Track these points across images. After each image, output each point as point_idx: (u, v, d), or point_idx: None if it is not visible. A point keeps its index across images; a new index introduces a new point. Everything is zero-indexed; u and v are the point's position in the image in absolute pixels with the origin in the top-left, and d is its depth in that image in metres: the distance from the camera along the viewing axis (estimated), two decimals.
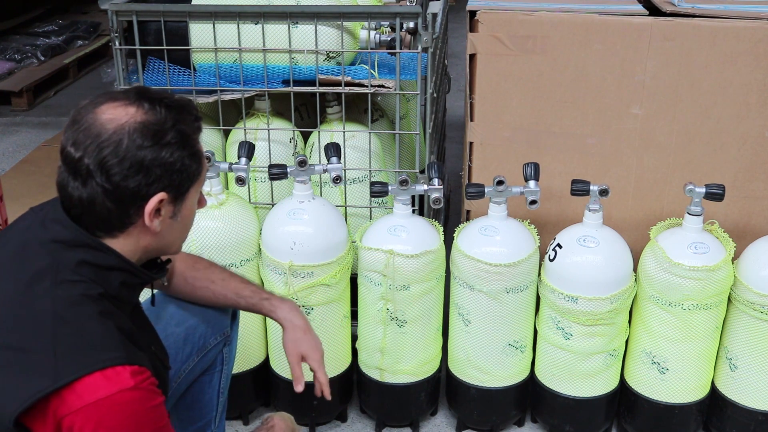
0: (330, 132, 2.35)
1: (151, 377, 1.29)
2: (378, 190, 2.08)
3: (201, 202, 1.49)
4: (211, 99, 2.31)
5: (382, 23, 2.30)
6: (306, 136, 2.45)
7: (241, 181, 2.14)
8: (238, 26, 2.21)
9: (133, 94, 1.32)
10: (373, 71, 2.27)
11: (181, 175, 1.34)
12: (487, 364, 2.20)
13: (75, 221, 1.33)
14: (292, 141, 2.40)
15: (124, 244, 1.36)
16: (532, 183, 2.08)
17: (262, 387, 2.37)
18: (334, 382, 2.26)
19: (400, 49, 2.19)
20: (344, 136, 2.33)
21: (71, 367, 1.22)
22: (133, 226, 1.34)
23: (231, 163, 2.14)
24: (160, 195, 1.32)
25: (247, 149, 2.13)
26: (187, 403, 1.89)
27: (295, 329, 1.79)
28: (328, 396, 1.80)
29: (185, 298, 1.83)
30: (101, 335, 1.26)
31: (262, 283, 2.20)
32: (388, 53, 2.32)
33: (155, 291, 1.72)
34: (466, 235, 2.13)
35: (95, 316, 1.27)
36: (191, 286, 1.81)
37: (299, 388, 1.74)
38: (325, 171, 2.12)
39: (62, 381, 1.21)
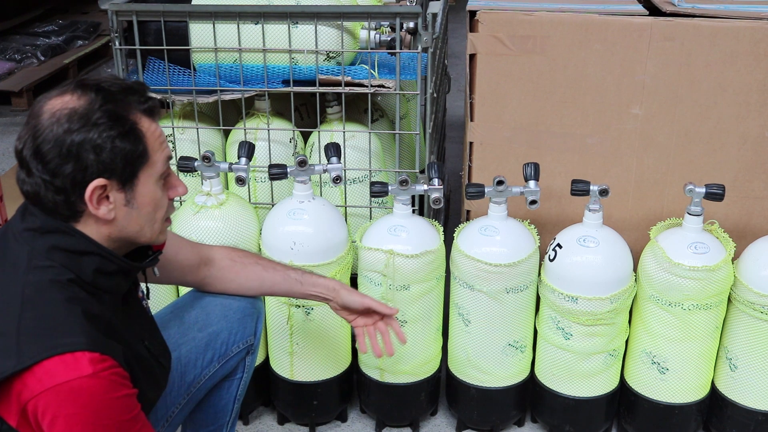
0: (330, 132, 2.35)
1: (115, 367, 1.27)
2: (378, 190, 2.08)
3: (172, 189, 1.43)
4: (211, 99, 2.31)
5: (382, 23, 2.30)
6: (306, 136, 2.45)
7: (241, 181, 2.14)
8: (238, 26, 2.20)
9: (73, 84, 1.32)
10: (373, 71, 2.26)
11: (116, 157, 1.30)
12: (487, 364, 2.20)
13: None
14: (292, 141, 2.40)
15: (86, 233, 1.34)
16: (532, 183, 2.07)
17: (262, 387, 2.37)
18: (334, 382, 2.28)
19: (400, 49, 2.19)
20: (344, 136, 2.32)
21: (32, 350, 1.22)
22: (85, 215, 1.33)
23: (231, 163, 2.13)
24: (97, 181, 1.29)
25: (247, 149, 2.13)
26: (202, 406, 1.87)
27: (343, 287, 1.86)
28: (404, 339, 1.85)
29: (231, 280, 1.82)
30: (63, 320, 1.26)
31: None
32: (388, 53, 2.32)
33: (153, 285, 1.70)
34: (466, 235, 2.13)
35: (61, 301, 1.27)
36: (240, 263, 1.83)
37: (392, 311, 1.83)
38: (325, 171, 2.12)
39: (23, 364, 1.22)
